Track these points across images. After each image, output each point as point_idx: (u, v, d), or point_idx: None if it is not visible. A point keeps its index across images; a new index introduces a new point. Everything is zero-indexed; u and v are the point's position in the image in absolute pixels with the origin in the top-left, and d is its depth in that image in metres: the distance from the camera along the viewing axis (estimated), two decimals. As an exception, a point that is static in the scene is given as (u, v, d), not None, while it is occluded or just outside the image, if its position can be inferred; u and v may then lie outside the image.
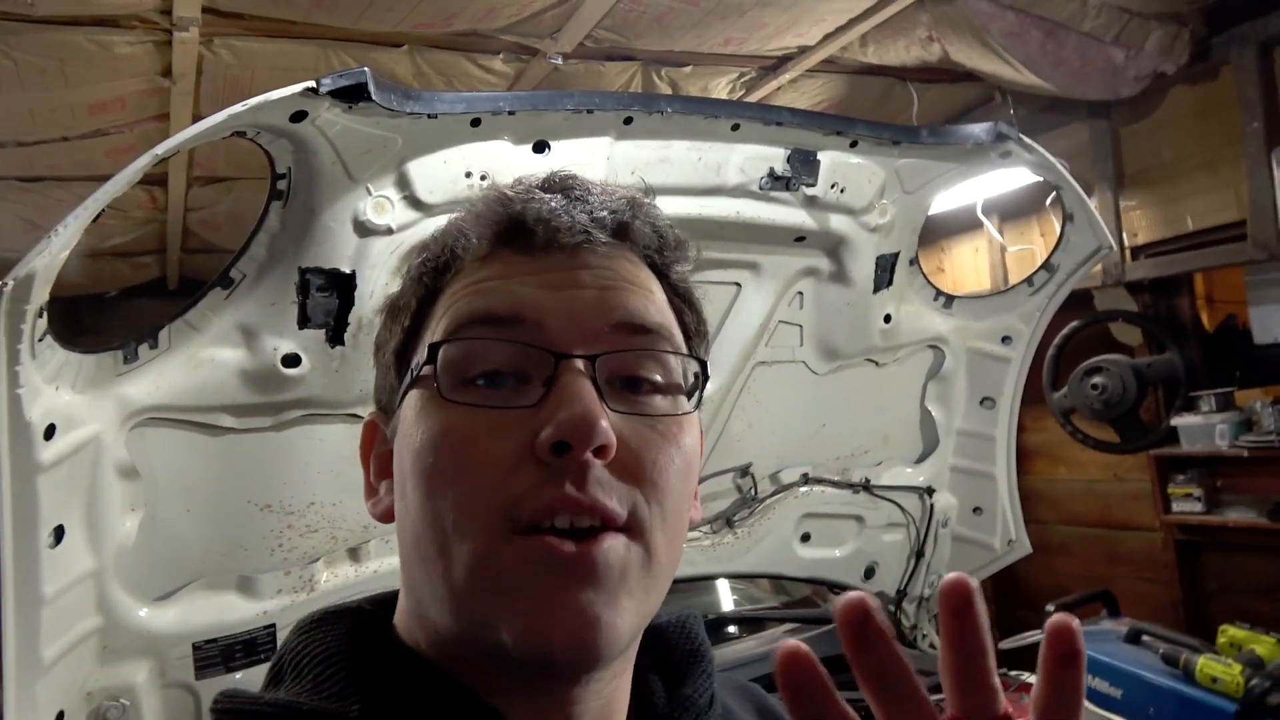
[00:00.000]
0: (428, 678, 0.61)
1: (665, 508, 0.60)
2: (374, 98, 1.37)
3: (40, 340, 1.31)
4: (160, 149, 1.25)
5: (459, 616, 0.59)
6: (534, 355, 0.60)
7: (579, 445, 0.56)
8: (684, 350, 0.66)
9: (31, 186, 3.12)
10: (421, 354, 0.63)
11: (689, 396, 0.65)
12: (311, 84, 1.31)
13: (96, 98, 2.47)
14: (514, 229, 0.64)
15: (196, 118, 2.65)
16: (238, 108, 1.26)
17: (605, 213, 0.65)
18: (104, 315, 4.81)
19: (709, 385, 2.21)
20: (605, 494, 0.57)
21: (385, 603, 0.70)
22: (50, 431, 1.38)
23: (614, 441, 0.57)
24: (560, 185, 0.67)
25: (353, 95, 1.36)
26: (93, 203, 1.24)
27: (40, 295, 1.26)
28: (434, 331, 0.64)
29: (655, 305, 0.65)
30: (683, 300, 0.69)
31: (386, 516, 0.68)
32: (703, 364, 0.67)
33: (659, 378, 0.63)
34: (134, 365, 1.54)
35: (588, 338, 0.60)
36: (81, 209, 1.23)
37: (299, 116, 1.36)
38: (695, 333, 0.70)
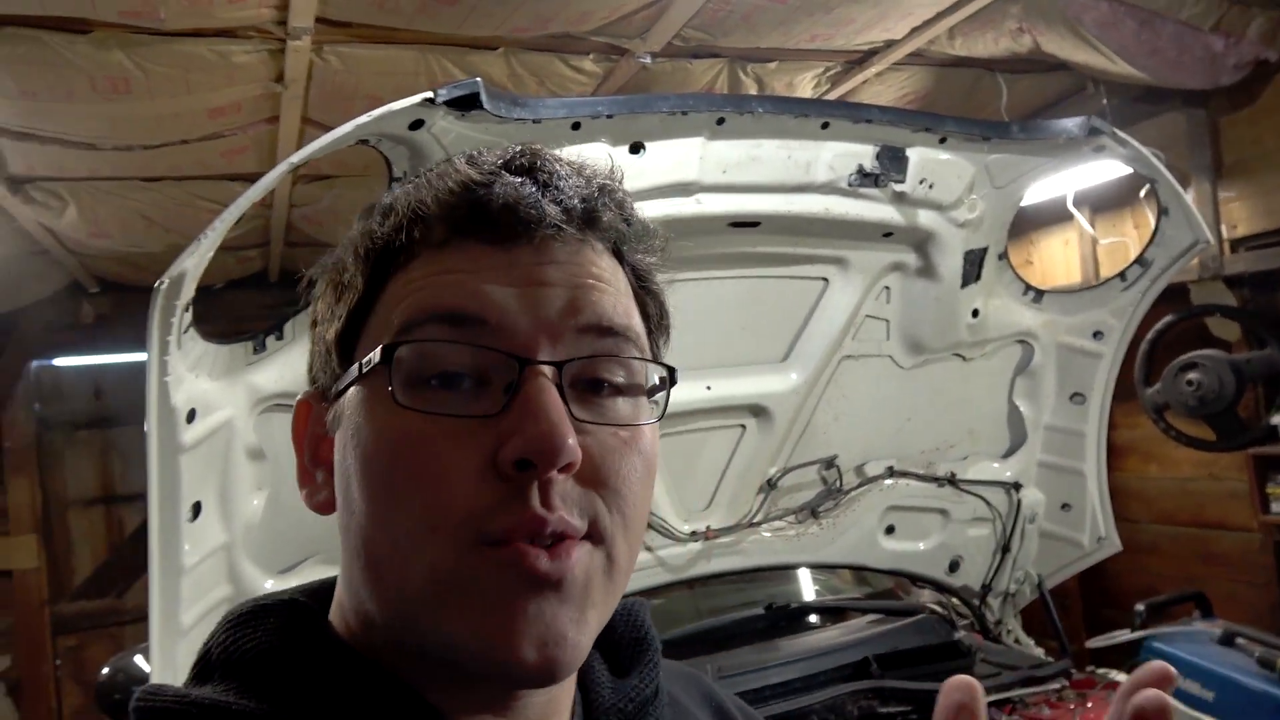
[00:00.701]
0: (366, 675, 0.58)
1: (627, 515, 0.59)
2: (485, 106, 1.45)
3: (185, 332, 1.44)
4: (295, 158, 1.36)
5: (410, 623, 0.57)
6: (496, 359, 0.56)
7: (544, 465, 0.54)
8: (648, 353, 0.64)
9: (152, 186, 3.33)
10: (369, 348, 0.58)
11: (649, 396, 0.62)
12: (430, 94, 1.40)
13: (215, 102, 2.64)
14: (476, 216, 0.59)
15: (305, 120, 2.80)
16: (364, 118, 1.36)
17: (576, 200, 0.60)
18: (211, 306, 5.06)
19: (795, 377, 2.26)
20: (568, 510, 0.55)
21: (318, 593, 0.67)
22: (191, 415, 1.51)
23: (579, 459, 0.55)
24: (526, 166, 0.61)
25: (466, 104, 1.44)
26: (235, 208, 1.36)
27: (188, 292, 1.38)
28: (385, 322, 0.59)
29: (623, 305, 0.61)
30: (646, 291, 0.66)
31: (324, 508, 0.64)
32: (670, 370, 0.64)
33: (622, 380, 0.60)
34: (262, 355, 1.66)
35: (555, 340, 0.57)
36: (226, 213, 1.35)
37: (417, 125, 1.46)
38: (657, 326, 0.67)
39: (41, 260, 4.36)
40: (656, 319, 0.67)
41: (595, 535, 0.57)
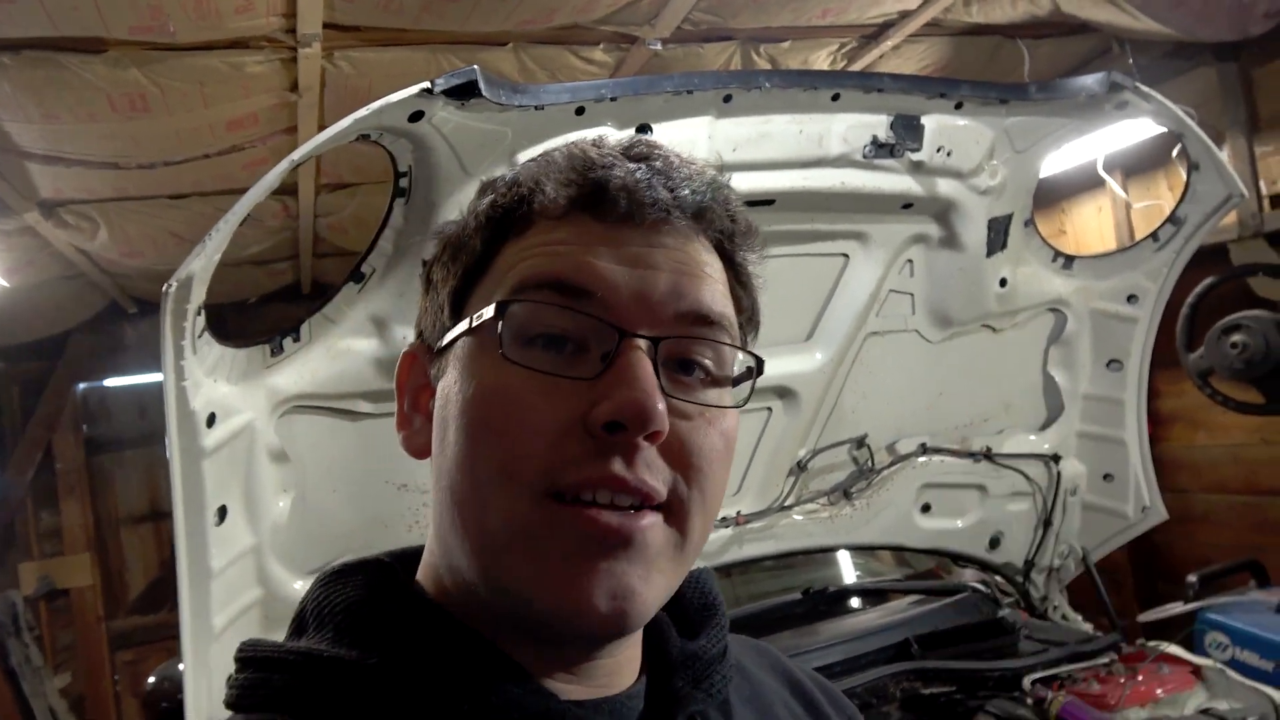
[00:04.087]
0: (447, 629, 0.62)
1: (705, 493, 0.62)
2: (484, 94, 1.44)
3: (200, 336, 1.45)
4: (296, 155, 1.36)
5: (487, 569, 0.60)
6: (598, 328, 0.60)
7: (634, 428, 0.57)
8: (740, 344, 0.67)
9: (179, 203, 3.38)
10: (482, 304, 0.63)
11: (733, 387, 0.66)
12: (426, 85, 1.39)
13: (233, 115, 2.66)
14: (595, 194, 0.63)
15: (322, 128, 2.81)
16: (362, 112, 1.36)
17: (687, 191, 0.64)
18: (246, 320, 5.16)
19: (820, 357, 2.23)
20: (652, 475, 0.59)
21: (405, 556, 0.71)
22: (211, 420, 1.52)
23: (667, 429, 0.58)
24: (644, 154, 0.66)
25: (464, 93, 1.43)
26: (239, 209, 1.36)
27: (198, 295, 1.39)
28: (499, 283, 0.63)
29: (721, 296, 0.65)
30: (744, 289, 0.69)
31: (421, 453, 0.69)
32: (759, 360, 0.67)
33: (711, 365, 0.64)
34: (280, 358, 1.67)
35: (654, 320, 0.61)
36: (230, 215, 1.35)
37: (416, 116, 1.45)
38: (749, 322, 0.70)
39: (79, 283, 4.46)
40: (749, 314, 0.70)
41: (672, 510, 0.61)
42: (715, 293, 0.64)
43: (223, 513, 1.61)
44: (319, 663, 0.60)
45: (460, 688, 0.59)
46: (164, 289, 1.32)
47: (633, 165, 0.64)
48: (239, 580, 1.67)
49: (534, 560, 0.58)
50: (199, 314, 1.42)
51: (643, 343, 0.59)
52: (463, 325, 0.64)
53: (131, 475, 5.51)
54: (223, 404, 1.56)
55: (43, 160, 2.77)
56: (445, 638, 0.61)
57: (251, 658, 0.63)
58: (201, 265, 1.35)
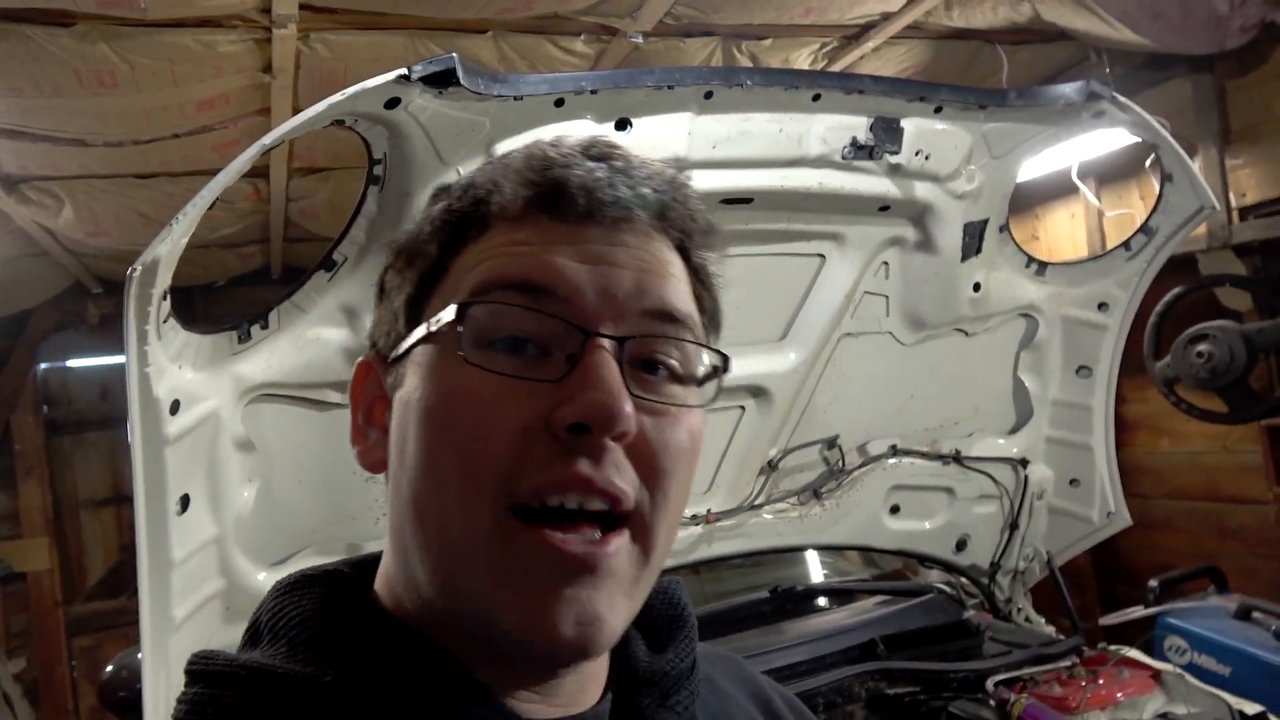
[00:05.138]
0: (407, 645, 0.60)
1: (670, 495, 0.61)
2: (462, 82, 1.42)
3: (165, 322, 1.42)
4: (267, 139, 1.33)
5: (448, 586, 0.59)
6: (562, 328, 0.59)
7: (600, 429, 0.56)
8: (704, 342, 0.66)
9: (146, 183, 3.32)
10: (440, 308, 0.61)
11: (698, 386, 0.65)
12: (404, 71, 1.37)
13: (204, 94, 2.61)
14: (554, 193, 0.61)
15: (295, 110, 2.77)
16: (336, 97, 1.33)
17: (648, 190, 0.63)
18: (214, 303, 5.08)
19: (794, 357, 2.23)
20: (619, 476, 0.57)
21: (364, 565, 0.69)
22: (175, 407, 1.49)
23: (634, 429, 0.57)
24: (603, 154, 0.64)
25: (442, 81, 1.41)
26: (208, 192, 1.33)
27: (164, 280, 1.35)
28: (457, 286, 0.62)
29: (685, 294, 0.64)
30: (705, 288, 0.68)
31: (377, 467, 0.67)
32: (724, 358, 0.66)
33: (676, 364, 0.62)
34: (248, 345, 1.64)
35: (619, 318, 0.60)
36: (198, 198, 1.32)
37: (393, 103, 1.43)
38: (711, 321, 0.69)
39: (43, 262, 4.37)
40: (711, 314, 0.69)
41: (636, 525, 0.59)
42: (679, 291, 0.64)
43: (185, 502, 1.57)
44: (273, 679, 0.58)
45: (420, 707, 0.58)
46: (128, 273, 1.29)
47: (592, 164, 0.63)
48: (200, 571, 1.64)
49: (498, 583, 0.56)
50: (164, 299, 1.39)
51: (607, 342, 0.58)
52: (421, 331, 0.62)
53: (92, 458, 5.41)
54: (187, 391, 1.52)
55: (6, 135, 2.70)
56: (405, 654, 0.59)
57: (202, 671, 0.61)
58: (167, 249, 1.32)
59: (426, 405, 0.60)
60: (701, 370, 0.65)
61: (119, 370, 1.39)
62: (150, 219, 3.50)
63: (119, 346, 1.39)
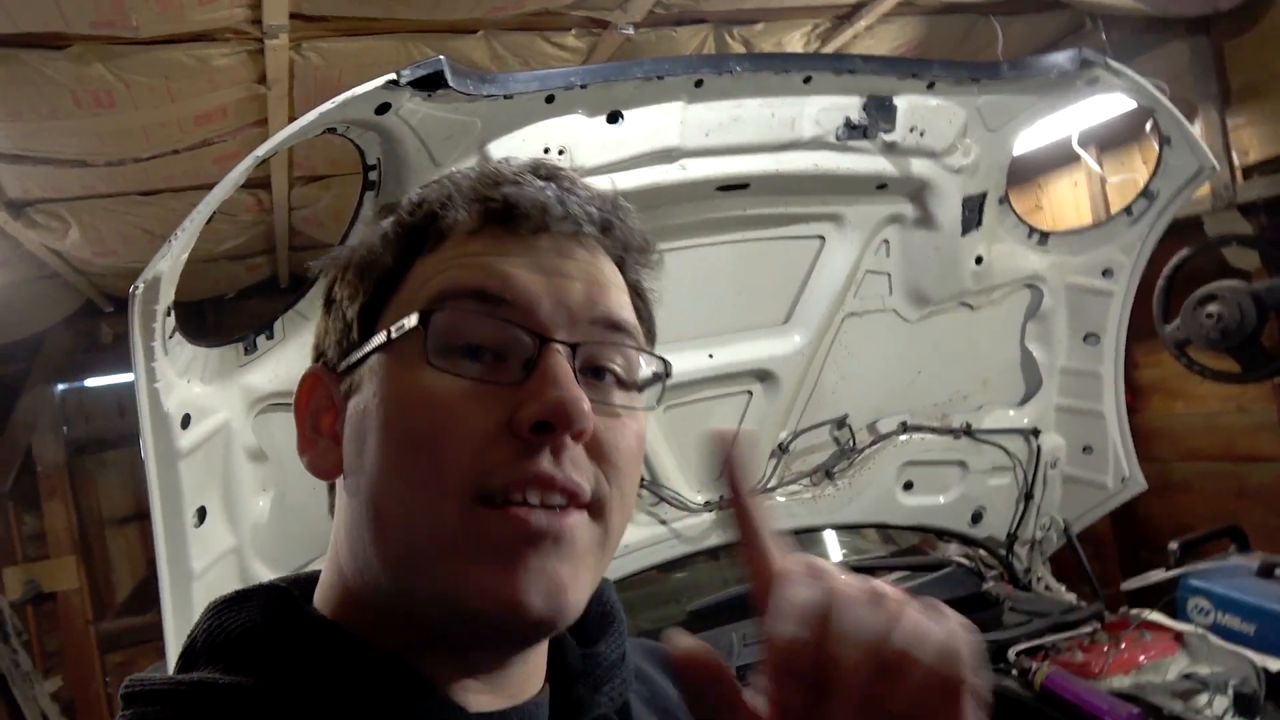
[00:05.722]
0: (351, 648, 0.61)
1: (624, 489, 0.64)
2: (451, 84, 1.43)
3: (170, 337, 1.44)
4: (260, 150, 1.34)
5: (413, 580, 0.60)
6: (517, 336, 0.61)
7: (562, 426, 0.58)
8: (648, 349, 0.70)
9: (150, 199, 3.34)
10: (398, 317, 0.63)
11: (640, 391, 0.68)
12: (392, 76, 1.38)
13: (201, 109, 2.63)
14: (508, 208, 0.64)
15: (293, 120, 2.78)
16: (326, 106, 1.35)
17: (594, 209, 0.67)
18: (225, 315, 5.11)
19: (799, 339, 2.23)
20: (578, 472, 0.60)
21: (300, 582, 0.70)
22: (186, 421, 1.51)
23: (592, 426, 0.60)
24: (551, 173, 0.68)
25: (431, 84, 1.42)
26: (205, 207, 1.35)
27: (167, 295, 1.37)
28: (414, 296, 0.64)
29: (628, 306, 0.68)
30: (643, 301, 0.72)
31: (329, 474, 0.68)
32: (665, 363, 0.69)
33: (621, 372, 0.66)
34: (254, 356, 1.66)
35: (571, 326, 0.63)
36: (195, 213, 1.34)
37: (383, 109, 1.44)
38: (649, 332, 0.73)
39: (54, 284, 4.41)
40: (648, 325, 0.73)
41: (595, 508, 0.62)
42: (623, 302, 0.67)
43: (202, 514, 1.60)
44: (214, 692, 0.58)
45: (368, 707, 0.59)
46: (130, 291, 1.31)
47: (541, 182, 0.66)
48: (221, 581, 1.66)
49: (465, 563, 0.58)
50: (169, 314, 1.41)
51: (562, 348, 0.61)
52: (379, 338, 0.64)
53: (114, 476, 5.46)
54: (197, 404, 1.54)
55: (8, 160, 2.72)
56: (350, 657, 0.61)
57: (138, 693, 0.60)
58: (168, 265, 1.34)
59: (388, 410, 0.61)
60: (643, 377, 0.68)
61: (134, 387, 1.42)
62: (156, 235, 3.52)
63: (131, 365, 1.41)
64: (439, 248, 0.65)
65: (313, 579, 0.70)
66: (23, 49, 2.17)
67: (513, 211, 0.64)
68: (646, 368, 0.69)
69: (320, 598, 0.67)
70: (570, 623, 0.62)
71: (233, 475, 1.66)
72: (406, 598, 0.61)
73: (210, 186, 1.40)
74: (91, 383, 5.42)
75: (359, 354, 0.65)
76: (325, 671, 0.60)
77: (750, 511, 0.55)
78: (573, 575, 0.60)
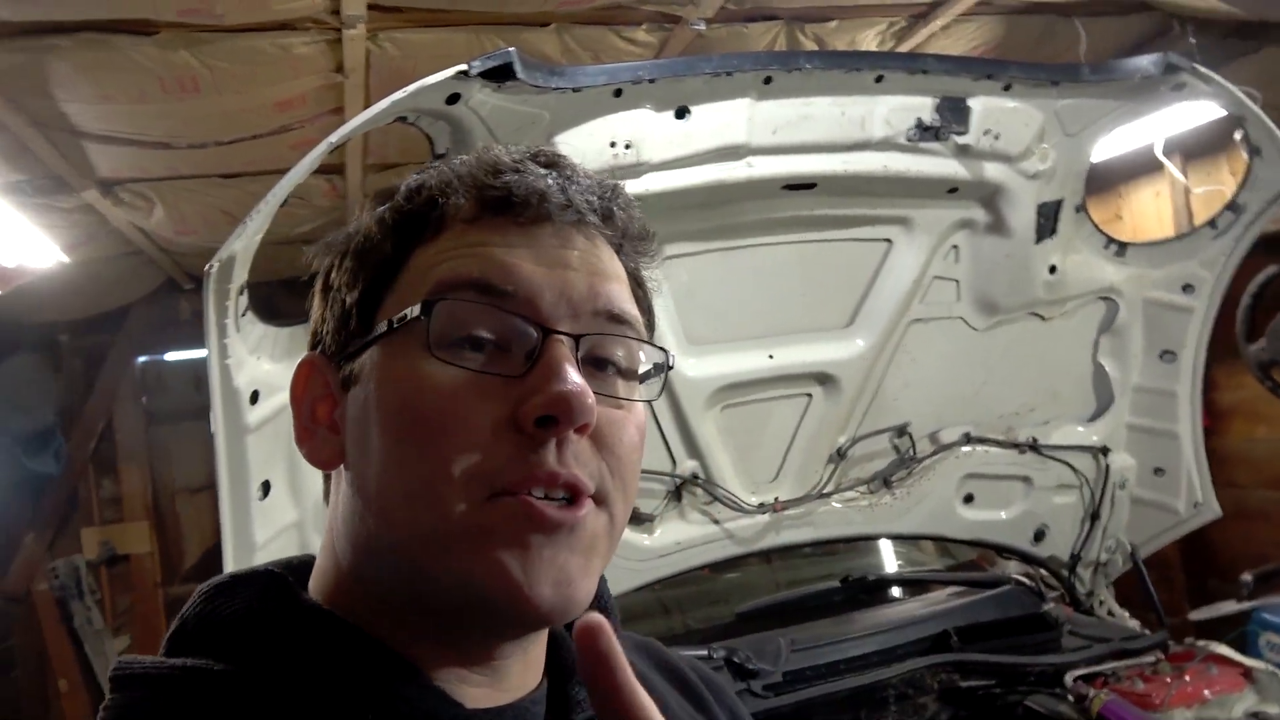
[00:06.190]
0: (348, 638, 0.60)
1: (626, 480, 0.64)
2: (521, 76, 1.44)
3: (243, 315, 1.48)
4: (334, 137, 1.37)
5: (422, 570, 0.59)
6: (520, 327, 0.61)
7: (566, 421, 0.58)
8: (649, 340, 0.69)
9: (229, 182, 3.44)
10: (398, 308, 0.62)
11: (641, 382, 0.68)
12: (463, 67, 1.40)
13: (281, 96, 2.70)
14: (509, 197, 0.63)
15: (368, 108, 2.84)
16: (399, 94, 1.37)
17: (594, 197, 0.66)
18: (297, 298, 5.24)
19: (861, 343, 2.20)
20: (580, 467, 0.60)
21: (293, 567, 0.69)
22: (255, 397, 1.55)
23: (595, 419, 0.59)
24: (551, 161, 0.67)
25: (501, 75, 1.44)
26: (280, 190, 1.38)
27: (240, 275, 1.41)
28: (415, 285, 0.63)
29: (629, 296, 0.67)
30: (642, 289, 0.71)
31: (329, 464, 0.68)
32: (666, 354, 0.69)
33: (622, 362, 0.65)
34: (321, 337, 1.69)
35: (574, 318, 0.62)
36: (271, 196, 1.37)
37: (453, 99, 1.46)
38: (648, 321, 0.72)
39: (138, 260, 4.58)
40: (648, 314, 0.72)
41: (600, 498, 0.62)
42: (625, 293, 0.67)
43: (266, 488, 1.64)
44: (205, 677, 0.58)
45: (363, 698, 0.58)
46: (206, 269, 1.35)
47: (542, 170, 0.65)
48: (282, 554, 1.68)
49: (477, 550, 0.58)
50: (241, 294, 1.45)
51: (565, 339, 0.61)
52: (381, 328, 0.63)
53: (187, 446, 5.65)
54: (266, 381, 1.59)
55: (99, 140, 2.83)
56: (345, 647, 0.60)
57: (126, 676, 0.60)
58: (243, 246, 1.38)
59: (392, 402, 0.61)
60: (643, 367, 0.68)
61: (207, 363, 1.46)
62: (234, 216, 3.62)
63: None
64: (438, 236, 0.64)
65: (306, 565, 0.70)
66: (114, 34, 2.25)
67: (513, 200, 0.63)
68: (647, 360, 0.68)
69: (315, 585, 0.67)
70: (578, 615, 0.61)
71: (297, 451, 1.69)
72: (412, 586, 0.60)
73: (288, 171, 1.44)
74: (170, 356, 5.62)
75: (358, 344, 0.64)
76: (319, 661, 0.59)
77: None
78: (582, 568, 0.60)
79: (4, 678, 4.94)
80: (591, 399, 0.58)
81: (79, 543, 5.26)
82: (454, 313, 0.60)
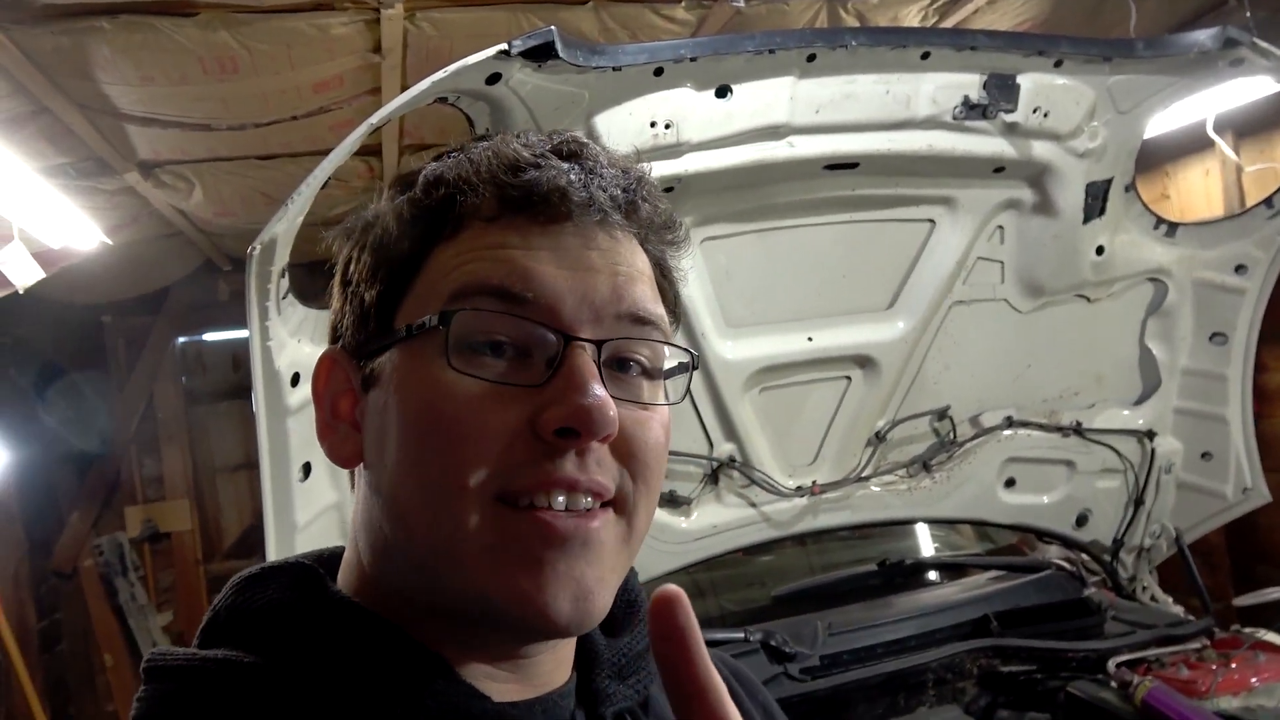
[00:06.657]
0: (379, 632, 0.60)
1: (649, 484, 0.63)
2: (561, 55, 1.43)
3: (284, 298, 1.48)
4: (375, 118, 1.37)
5: (439, 577, 0.59)
6: (540, 334, 0.60)
7: (588, 434, 0.57)
8: (672, 339, 0.67)
9: (268, 163, 3.46)
10: (417, 310, 0.62)
11: (665, 379, 0.66)
12: (504, 46, 1.38)
13: (318, 77, 2.70)
14: (528, 196, 0.61)
15: (405, 89, 2.83)
16: (439, 74, 1.36)
17: (618, 190, 0.64)
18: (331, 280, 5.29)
19: (902, 325, 2.17)
20: (602, 473, 0.60)
21: (324, 559, 0.70)
22: (295, 379, 1.56)
23: (617, 429, 0.58)
24: (574, 152, 0.65)
25: (542, 54, 1.42)
26: (320, 172, 1.38)
27: (282, 257, 1.42)
28: (434, 288, 0.62)
29: (653, 295, 0.66)
30: (668, 280, 0.70)
31: (349, 461, 0.66)
32: (692, 355, 0.69)
33: (647, 363, 0.64)
34: (361, 319, 1.70)
35: (596, 322, 0.61)
36: (311, 178, 1.37)
37: (494, 79, 1.44)
38: (673, 312, 0.70)
39: (178, 241, 4.63)
40: (673, 306, 0.71)
41: (620, 505, 0.62)
42: (649, 293, 0.65)
43: (307, 469, 1.65)
44: (236, 670, 0.58)
45: (393, 692, 0.58)
46: (248, 251, 1.35)
47: (564, 165, 0.63)
48: (323, 535, 1.73)
49: (492, 566, 0.57)
50: (283, 276, 1.46)
51: (587, 346, 0.60)
52: (400, 332, 0.62)
53: (226, 426, 5.74)
54: (307, 364, 1.59)
55: (140, 122, 2.85)
56: (374, 640, 0.60)
57: (160, 668, 0.60)
58: (284, 228, 1.38)
59: (409, 409, 0.60)
60: (668, 364, 0.67)
61: (248, 344, 1.47)
62: (273, 198, 3.66)
63: (246, 322, 1.47)
64: (457, 235, 0.63)
65: (336, 556, 0.70)
66: (155, 16, 2.26)
67: (533, 199, 0.61)
68: (672, 357, 0.67)
69: (343, 578, 0.67)
70: (597, 624, 0.62)
71: (337, 433, 1.70)
72: (431, 593, 0.61)
73: (325, 152, 1.43)
74: (209, 337, 5.70)
75: (378, 344, 0.63)
76: (347, 654, 0.59)
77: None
78: (599, 579, 0.60)
79: (51, 652, 5.07)
80: (613, 410, 0.58)
81: (122, 520, 5.38)
82: (473, 321, 0.60)
